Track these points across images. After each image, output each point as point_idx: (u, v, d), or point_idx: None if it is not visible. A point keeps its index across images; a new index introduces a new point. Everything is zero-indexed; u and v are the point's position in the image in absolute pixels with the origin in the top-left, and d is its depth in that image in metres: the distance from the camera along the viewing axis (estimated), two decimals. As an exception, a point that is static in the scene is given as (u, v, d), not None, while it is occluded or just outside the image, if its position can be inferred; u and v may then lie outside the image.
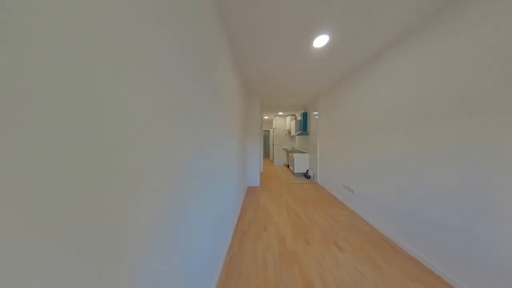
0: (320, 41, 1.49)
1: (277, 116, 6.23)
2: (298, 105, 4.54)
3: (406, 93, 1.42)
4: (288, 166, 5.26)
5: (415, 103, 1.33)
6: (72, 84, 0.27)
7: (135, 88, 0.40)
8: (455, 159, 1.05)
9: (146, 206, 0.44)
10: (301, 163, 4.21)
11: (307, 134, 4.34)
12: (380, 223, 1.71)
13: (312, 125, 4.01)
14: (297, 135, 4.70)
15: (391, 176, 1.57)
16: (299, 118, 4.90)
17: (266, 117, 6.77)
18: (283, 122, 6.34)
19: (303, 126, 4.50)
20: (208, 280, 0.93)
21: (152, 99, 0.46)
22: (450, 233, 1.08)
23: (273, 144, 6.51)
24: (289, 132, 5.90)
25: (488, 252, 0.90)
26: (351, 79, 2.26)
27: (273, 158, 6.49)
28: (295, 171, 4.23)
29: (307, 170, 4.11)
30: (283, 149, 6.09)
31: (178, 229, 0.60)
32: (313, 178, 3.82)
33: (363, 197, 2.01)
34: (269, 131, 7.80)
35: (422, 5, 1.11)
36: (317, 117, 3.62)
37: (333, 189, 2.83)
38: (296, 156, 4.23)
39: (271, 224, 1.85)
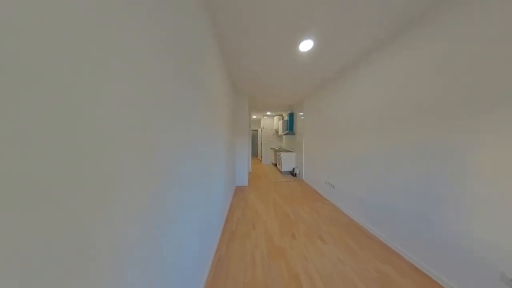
0: (306, 45, 1.57)
1: (265, 115, 6.30)
2: (285, 105, 4.69)
3: (377, 98, 1.61)
4: (275, 165, 5.39)
5: (384, 108, 1.52)
6: (22, 71, 0.22)
7: (105, 77, 0.35)
8: (413, 157, 1.25)
9: (123, 211, 0.39)
10: (288, 162, 4.37)
11: (293, 134, 4.53)
12: (356, 214, 1.91)
13: (298, 125, 4.20)
14: (284, 134, 4.86)
15: (365, 172, 1.76)
16: (286, 118, 5.07)
17: (254, 117, 6.78)
18: (271, 122, 6.46)
19: (290, 126, 4.68)
20: (195, 284, 0.89)
21: (130, 92, 0.41)
22: (410, 219, 1.28)
23: (261, 144, 6.57)
24: (277, 132, 6.05)
25: (438, 232, 1.10)
26: (333, 84, 2.45)
27: (261, 157, 6.57)
28: (282, 170, 4.37)
29: (294, 168, 4.29)
30: (271, 148, 6.20)
31: (161, 234, 0.55)
32: (299, 176, 4.01)
33: (342, 191, 2.20)
34: (257, 130, 7.84)
35: (387, 24, 1.27)
36: (302, 117, 3.80)
37: (316, 185, 3.02)
38: (283, 155, 4.37)
39: (260, 223, 1.87)
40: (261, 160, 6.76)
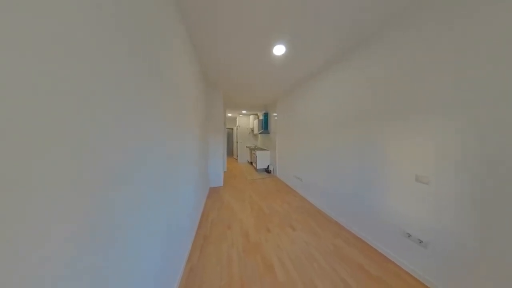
0: (279, 50, 1.67)
1: (240, 114, 6.27)
2: (260, 105, 4.84)
3: (332, 105, 1.95)
4: (251, 163, 5.50)
5: (336, 114, 1.86)
6: None
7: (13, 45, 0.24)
8: (354, 153, 1.61)
9: (45, 228, 0.29)
10: (263, 160, 4.56)
11: (268, 132, 4.76)
12: (318, 202, 2.26)
13: (272, 124, 4.44)
14: (259, 133, 5.02)
15: (324, 165, 2.11)
16: (261, 117, 5.24)
17: (230, 115, 6.60)
18: (247, 121, 6.50)
19: (265, 125, 4.88)
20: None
21: (58, 71, 0.30)
22: (351, 199, 1.65)
23: (237, 142, 6.51)
24: (252, 130, 6.17)
25: (369, 207, 1.47)
26: (301, 89, 2.74)
27: (237, 156, 6.51)
28: (257, 168, 4.51)
29: (268, 166, 4.53)
30: (246, 147, 6.25)
31: (103, 259, 0.44)
32: (273, 173, 4.27)
33: (308, 183, 2.53)
34: (233, 129, 7.69)
35: (340, 44, 1.56)
36: (276, 117, 4.05)
37: (288, 180, 3.32)
38: (258, 153, 4.51)
39: (236, 221, 1.87)
40: (237, 159, 6.69)
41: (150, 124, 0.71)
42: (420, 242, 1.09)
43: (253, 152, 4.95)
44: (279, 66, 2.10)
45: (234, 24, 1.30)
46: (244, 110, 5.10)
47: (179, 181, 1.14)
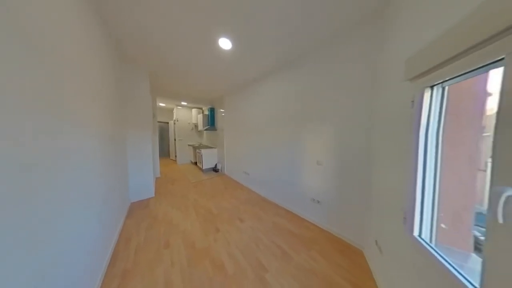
0: (225, 43, 1.62)
1: (179, 106, 5.17)
2: (205, 99, 4.40)
3: (273, 107, 2.34)
4: (196, 163, 4.86)
5: (276, 114, 2.28)
6: None
7: None
8: (287, 148, 2.10)
9: None
10: (209, 158, 4.24)
11: (215, 129, 4.48)
12: (263, 191, 2.62)
13: (219, 121, 4.25)
14: (205, 130, 4.56)
15: (266, 159, 2.49)
16: (206, 112, 4.78)
17: (162, 105, 5.19)
18: (188, 114, 5.52)
19: (211, 121, 4.53)
20: None
21: None
22: (285, 183, 2.14)
23: (176, 140, 5.35)
24: (196, 126, 5.42)
25: (294, 185, 2.01)
26: (249, 89, 2.92)
27: (176, 156, 5.39)
28: (204, 168, 4.11)
29: (216, 164, 4.32)
30: (189, 145, 5.37)
31: None
32: (221, 171, 4.15)
33: (254, 176, 2.83)
34: (168, 123, 6.16)
35: (280, 57, 1.90)
36: (223, 114, 3.94)
37: (236, 176, 3.44)
38: (204, 151, 4.11)
39: (176, 235, 1.56)
40: (175, 160, 5.53)
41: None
42: (318, 202, 1.73)
43: (197, 151, 4.40)
44: (226, 62, 2.05)
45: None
46: (184, 101, 4.29)
47: (56, 209, 0.69)
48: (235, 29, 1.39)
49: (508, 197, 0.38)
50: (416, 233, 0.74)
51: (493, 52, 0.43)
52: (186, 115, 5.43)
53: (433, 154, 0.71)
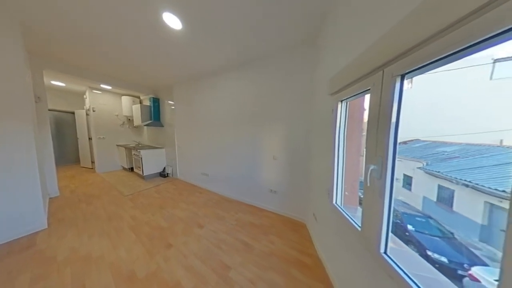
0: (173, 21, 1.34)
1: (96, 89, 3.56)
2: (144, 86, 3.42)
3: (233, 104, 2.31)
4: (132, 169, 3.69)
5: (238, 112, 2.27)
6: None
7: None
8: (248, 144, 2.17)
9: None
10: (154, 161, 3.40)
11: (161, 125, 3.63)
12: (223, 190, 2.54)
13: (167, 115, 3.50)
14: (145, 125, 3.55)
15: (228, 157, 2.43)
16: (147, 103, 3.73)
17: (60, 84, 3.35)
18: (114, 103, 3.95)
19: (155, 115, 3.61)
20: None
21: None
22: (246, 179, 2.23)
23: (92, 139, 3.70)
24: (130, 120, 4.09)
25: (254, 180, 2.15)
26: (208, 83, 2.64)
27: (94, 162, 3.76)
28: (145, 174, 3.22)
29: (164, 168, 3.55)
30: (118, 145, 3.94)
31: None
32: (172, 175, 3.48)
33: (214, 177, 2.67)
34: (74, 113, 4.10)
35: (241, 53, 1.88)
36: (173, 107, 3.29)
37: (193, 179, 3.05)
38: (145, 153, 3.21)
39: (98, 271, 1.11)
40: (93, 168, 3.86)
41: None
42: (275, 192, 1.98)
43: (135, 153, 3.35)
44: (177, 46, 1.71)
45: None
46: (105, 83, 3.02)
47: None
48: (184, 5, 1.19)
49: (371, 170, 0.66)
50: (334, 201, 1.08)
51: (366, 84, 0.72)
52: (111, 104, 3.85)
53: (342, 147, 1.05)
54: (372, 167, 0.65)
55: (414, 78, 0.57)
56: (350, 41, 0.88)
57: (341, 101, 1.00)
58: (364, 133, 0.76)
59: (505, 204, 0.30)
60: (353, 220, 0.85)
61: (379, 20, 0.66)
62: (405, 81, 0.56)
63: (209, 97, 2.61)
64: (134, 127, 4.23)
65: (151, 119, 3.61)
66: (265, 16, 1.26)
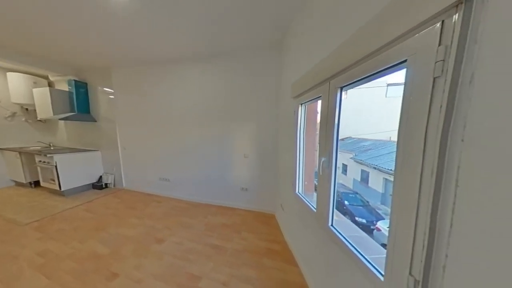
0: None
1: None
2: (60, 63, 2.38)
3: (202, 100, 2.09)
4: (37, 183, 2.48)
5: (206, 109, 2.07)
6: None
7: None
8: (216, 143, 2.06)
9: None
10: (81, 169, 2.47)
11: (92, 120, 2.67)
12: (189, 195, 2.27)
13: (103, 106, 2.63)
14: (62, 119, 2.48)
15: (195, 158, 2.19)
16: (65, 87, 2.62)
17: None
18: (-6, 83, 2.49)
19: (81, 105, 2.60)
20: None
21: None
22: (216, 180, 2.11)
23: None
24: (27, 110, 2.74)
25: (225, 180, 2.08)
26: (165, 71, 2.20)
27: None
28: (65, 188, 2.27)
29: (101, 177, 2.67)
30: (3, 149, 2.52)
31: None
32: (114, 185, 2.69)
33: (178, 181, 2.33)
34: None
35: (207, 43, 1.70)
36: (112, 96, 2.52)
37: (147, 187, 2.51)
38: (61, 159, 2.27)
39: None
40: None
41: None
42: (246, 190, 2.01)
43: (41, 159, 2.28)
44: (121, 20, 1.30)
45: None
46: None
47: None
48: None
49: (323, 162, 0.82)
50: (296, 191, 1.24)
51: (318, 91, 0.88)
52: (-16, 84, 2.39)
53: (302, 144, 1.23)
54: (323, 159, 0.81)
55: (348, 91, 0.76)
56: (309, 51, 1.04)
57: (301, 104, 1.17)
58: (318, 132, 0.93)
59: (392, 178, 0.47)
60: (311, 204, 1.03)
61: (328, 40, 0.82)
62: (343, 93, 0.74)
63: (170, 89, 2.21)
64: (39, 121, 2.85)
65: (73, 111, 2.58)
66: (228, 10, 1.21)
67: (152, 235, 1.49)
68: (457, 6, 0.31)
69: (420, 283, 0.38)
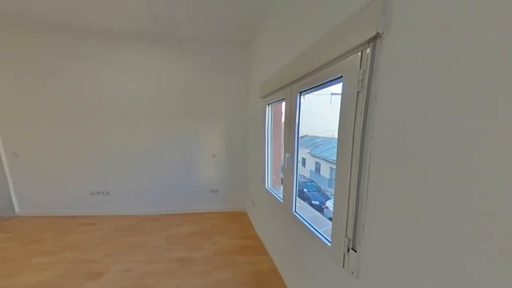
0: None
1: None
2: None
3: (157, 91, 1.72)
4: None
5: (155, 104, 1.73)
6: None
7: None
8: (177, 145, 1.80)
9: None
10: None
11: None
12: (140, 208, 1.85)
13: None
14: None
15: (146, 164, 1.80)
16: None
17: None
18: None
19: None
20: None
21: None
22: (177, 186, 1.86)
23: None
24: None
25: (190, 183, 1.87)
26: (92, 46, 1.58)
27: None
28: None
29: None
30: None
31: None
32: (3, 212, 1.70)
33: (121, 193, 1.83)
34: None
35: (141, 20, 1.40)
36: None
37: (70, 207, 1.80)
38: None
39: None
40: None
41: None
42: (216, 191, 1.91)
43: None
44: None
45: None
46: None
47: None
48: None
49: (287, 157, 0.92)
50: (266, 185, 1.33)
51: (282, 94, 0.97)
52: None
53: (269, 141, 1.33)
54: (288, 155, 0.92)
55: (306, 96, 0.90)
56: (274, 56, 1.12)
57: (269, 104, 1.24)
58: (283, 130, 1.03)
59: (335, 166, 0.62)
60: (278, 196, 1.14)
61: (292, 46, 0.91)
62: (302, 97, 0.86)
63: (100, 72, 1.65)
64: None
65: None
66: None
67: (82, 271, 1.09)
68: (369, 42, 0.44)
69: (351, 241, 0.52)
